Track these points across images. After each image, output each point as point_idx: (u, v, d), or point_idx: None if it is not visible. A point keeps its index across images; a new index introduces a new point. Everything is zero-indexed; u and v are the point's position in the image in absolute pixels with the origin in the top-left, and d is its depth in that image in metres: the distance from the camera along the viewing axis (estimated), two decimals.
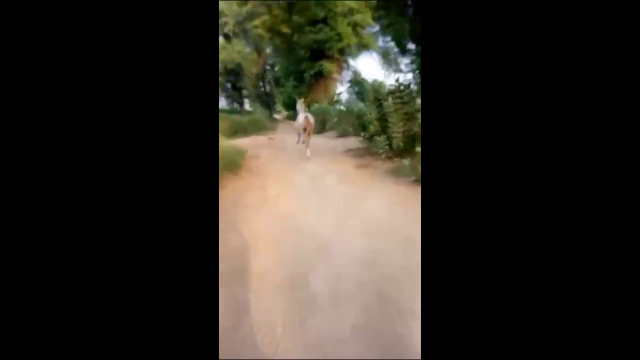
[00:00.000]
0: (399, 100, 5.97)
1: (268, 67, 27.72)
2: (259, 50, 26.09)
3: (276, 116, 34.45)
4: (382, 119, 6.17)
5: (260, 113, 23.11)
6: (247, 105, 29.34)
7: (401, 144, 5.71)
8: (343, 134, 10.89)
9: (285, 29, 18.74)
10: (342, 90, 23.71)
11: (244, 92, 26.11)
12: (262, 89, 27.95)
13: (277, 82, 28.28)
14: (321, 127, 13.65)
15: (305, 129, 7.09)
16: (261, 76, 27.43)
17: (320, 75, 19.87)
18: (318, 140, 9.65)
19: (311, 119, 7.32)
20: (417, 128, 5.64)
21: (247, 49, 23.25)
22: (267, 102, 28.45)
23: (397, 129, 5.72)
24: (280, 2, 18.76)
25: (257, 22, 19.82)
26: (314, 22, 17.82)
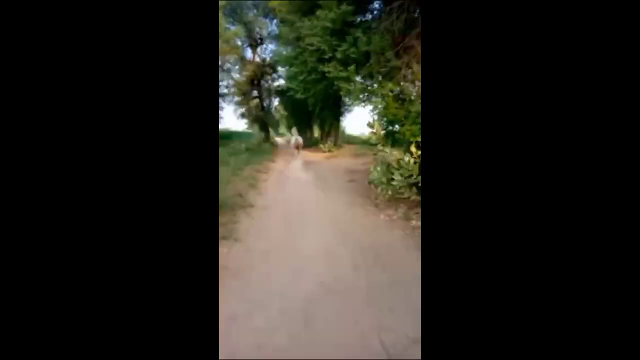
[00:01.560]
0: None
1: (268, 68, 18.48)
2: (254, 39, 17.25)
3: (278, 140, 25.31)
4: None
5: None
6: (228, 122, 20.37)
7: None
8: None
9: None
10: None
11: (224, 100, 17.11)
12: (258, 99, 18.86)
13: (281, 92, 19.21)
14: None
15: (297, 147, 10.40)
16: (257, 81, 18.35)
17: None
18: None
19: (300, 139, 10.69)
20: None
21: (233, 30, 14.34)
22: (264, 122, 19.07)
23: None
24: None
25: None
26: None
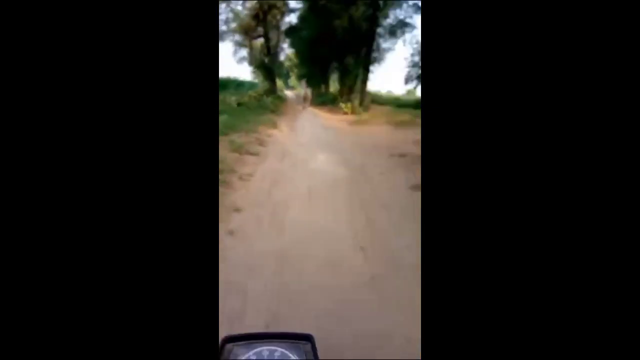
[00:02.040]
0: None
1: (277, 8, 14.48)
2: None
3: (288, 93, 21.74)
4: None
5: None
6: (224, 67, 16.58)
7: None
8: None
9: None
10: None
11: (221, 38, 13.35)
12: (263, 39, 14.95)
13: (291, 30, 15.21)
14: None
15: (305, 99, 11.48)
16: (263, 16, 14.38)
17: None
18: None
19: (309, 92, 12.09)
20: None
21: None
22: (270, 69, 15.22)
23: None
24: None
25: None
26: None
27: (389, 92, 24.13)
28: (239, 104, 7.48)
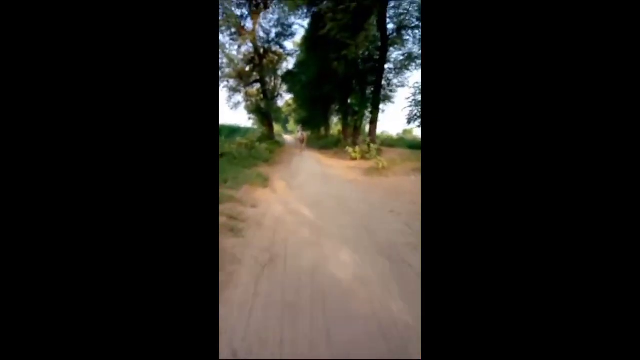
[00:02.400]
0: None
1: (273, 44, 13.81)
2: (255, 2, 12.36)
3: (287, 137, 20.76)
4: None
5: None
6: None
7: None
8: None
9: None
10: None
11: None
12: (259, 84, 14.06)
13: (290, 75, 14.42)
14: None
15: (301, 141, 12.14)
16: (259, 60, 13.62)
17: None
18: None
19: (305, 134, 12.92)
20: None
21: None
22: (267, 114, 14.07)
23: None
24: None
25: None
26: None
27: (384, 132, 22.91)
28: (222, 155, 5.90)
